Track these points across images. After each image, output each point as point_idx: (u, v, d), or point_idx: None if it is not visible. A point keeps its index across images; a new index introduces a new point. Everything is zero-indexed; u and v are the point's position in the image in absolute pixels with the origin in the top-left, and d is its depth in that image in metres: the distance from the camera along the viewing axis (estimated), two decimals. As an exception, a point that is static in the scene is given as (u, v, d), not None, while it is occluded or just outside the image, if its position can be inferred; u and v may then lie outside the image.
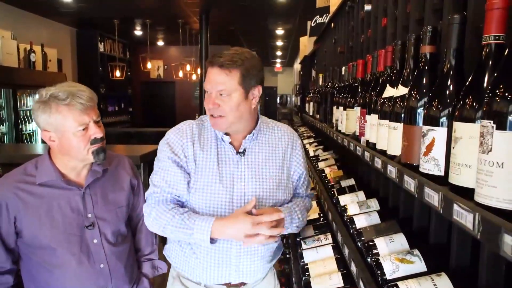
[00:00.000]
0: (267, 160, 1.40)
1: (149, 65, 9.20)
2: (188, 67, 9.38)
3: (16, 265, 1.40)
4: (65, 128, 1.28)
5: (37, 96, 1.32)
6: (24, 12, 6.96)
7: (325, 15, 4.30)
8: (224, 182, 1.32)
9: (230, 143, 1.36)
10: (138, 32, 9.28)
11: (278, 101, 17.89)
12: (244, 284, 1.40)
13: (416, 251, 0.98)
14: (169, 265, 1.54)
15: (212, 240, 1.25)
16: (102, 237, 1.40)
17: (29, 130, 6.13)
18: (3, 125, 5.57)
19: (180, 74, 9.42)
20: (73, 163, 1.37)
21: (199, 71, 8.64)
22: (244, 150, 1.38)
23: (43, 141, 6.29)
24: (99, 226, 1.39)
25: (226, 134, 1.36)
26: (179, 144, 1.34)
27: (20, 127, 5.78)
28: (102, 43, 9.11)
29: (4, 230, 1.31)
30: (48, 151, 1.39)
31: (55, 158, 1.36)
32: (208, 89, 1.30)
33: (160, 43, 10.94)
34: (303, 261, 1.58)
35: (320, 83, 3.20)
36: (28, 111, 6.12)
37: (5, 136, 5.60)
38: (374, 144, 1.19)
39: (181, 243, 1.39)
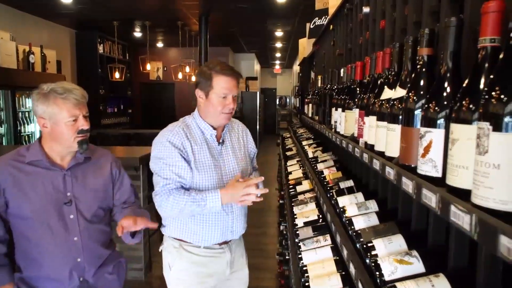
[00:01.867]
0: (237, 145, 1.90)
1: (148, 67, 9.21)
2: (187, 69, 9.40)
3: (8, 235, 1.60)
4: (58, 118, 1.53)
5: (37, 89, 1.56)
6: (23, 14, 6.97)
7: (324, 17, 4.32)
8: (216, 166, 1.76)
9: (216, 136, 1.81)
10: (137, 33, 9.29)
11: (277, 102, 17.90)
12: (230, 240, 1.85)
13: (415, 252, 0.99)
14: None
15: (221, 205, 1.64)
16: (78, 213, 1.62)
17: (28, 132, 6.12)
18: (1, 127, 5.57)
19: (180, 75, 9.43)
20: (59, 149, 1.60)
21: (198, 72, 8.64)
22: (223, 140, 1.84)
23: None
24: (76, 203, 1.62)
25: (214, 129, 1.80)
26: (179, 141, 1.71)
27: (18, 128, 5.78)
28: (102, 45, 9.12)
29: None
30: (39, 138, 1.63)
31: (45, 143, 1.61)
32: (225, 94, 1.73)
33: (160, 44, 10.95)
34: (302, 263, 1.58)
35: (319, 84, 3.21)
36: (27, 113, 6.12)
37: (4, 138, 5.59)
38: (373, 146, 1.20)
39: (183, 220, 1.75)
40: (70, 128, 1.54)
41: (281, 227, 3.59)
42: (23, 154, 1.58)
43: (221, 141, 1.83)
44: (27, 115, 6.13)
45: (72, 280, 1.61)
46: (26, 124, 6.06)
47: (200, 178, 1.71)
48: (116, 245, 1.86)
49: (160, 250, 1.88)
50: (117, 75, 8.76)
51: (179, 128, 1.75)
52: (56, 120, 1.53)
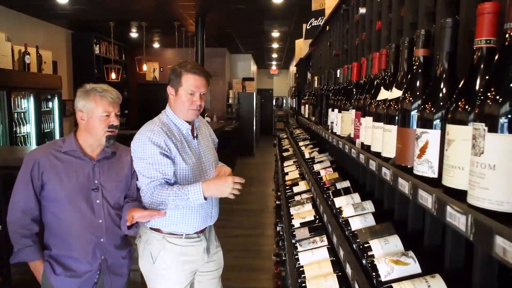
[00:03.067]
0: (206, 138, 2.07)
1: (144, 68, 9.18)
2: (184, 70, 9.37)
3: (39, 216, 1.82)
4: (94, 112, 1.78)
5: (81, 88, 1.82)
6: (18, 14, 6.93)
7: (320, 18, 4.32)
8: (196, 159, 1.91)
9: (191, 131, 1.94)
10: (134, 34, 9.26)
11: (273, 103, 17.90)
12: (205, 228, 1.98)
13: (411, 253, 0.99)
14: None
15: (205, 198, 1.73)
16: (104, 199, 1.85)
17: (23, 133, 6.09)
18: (-3, 128, 5.53)
19: (176, 76, 9.40)
20: (91, 141, 1.84)
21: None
22: (197, 135, 1.99)
23: (37, 144, 6.25)
24: (102, 190, 1.85)
25: (188, 123, 1.92)
26: (162, 140, 1.80)
27: (14, 129, 5.74)
28: (98, 45, 9.08)
29: (35, 182, 1.76)
30: (74, 132, 1.87)
31: (79, 135, 1.85)
32: (193, 91, 1.85)
33: (156, 45, 10.92)
34: (299, 263, 1.58)
35: (316, 85, 3.21)
36: (22, 113, 6.08)
37: (-1, 139, 5.55)
38: (369, 147, 1.20)
39: (168, 211, 1.81)
40: (103, 122, 1.79)
41: (278, 228, 3.59)
42: (59, 145, 1.82)
43: (195, 135, 1.98)
44: (22, 116, 6.09)
45: (95, 258, 1.83)
46: (21, 125, 6.03)
47: (186, 171, 1.84)
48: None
49: (136, 242, 1.97)
50: (113, 75, 8.74)
51: (157, 127, 1.83)
52: (92, 114, 1.78)
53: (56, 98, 6.94)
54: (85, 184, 1.81)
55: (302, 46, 5.53)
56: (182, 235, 1.89)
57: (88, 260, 1.82)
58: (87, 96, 1.78)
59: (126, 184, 1.95)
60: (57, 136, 7.01)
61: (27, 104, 6.20)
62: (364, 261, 1.08)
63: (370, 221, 1.29)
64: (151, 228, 1.90)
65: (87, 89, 1.79)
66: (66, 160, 1.80)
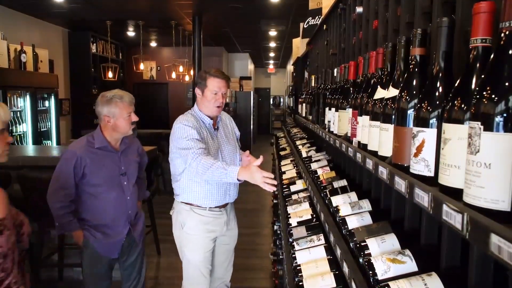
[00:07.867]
0: (227, 130, 2.49)
1: (141, 66, 9.14)
2: (181, 68, 9.36)
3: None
4: (118, 114, 2.26)
5: (101, 97, 2.28)
6: (15, 12, 6.89)
7: (317, 17, 4.33)
8: (216, 145, 2.34)
9: (212, 124, 2.37)
10: (130, 33, 9.23)
11: (271, 102, 17.90)
12: (227, 204, 2.42)
13: (407, 251, 0.99)
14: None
15: (238, 180, 2.02)
16: (129, 180, 2.39)
17: (20, 132, 6.06)
18: (-7, 127, 5.49)
19: (173, 75, 9.39)
20: (117, 136, 2.34)
21: (192, 72, 8.61)
22: (218, 127, 2.41)
23: (33, 143, 6.23)
24: (127, 174, 2.38)
25: (210, 118, 2.35)
26: (196, 126, 2.24)
27: (10, 128, 5.72)
28: (95, 44, 9.04)
29: (77, 173, 2.23)
30: (100, 128, 2.33)
31: (106, 133, 2.32)
32: (216, 91, 2.29)
33: (153, 44, 10.89)
34: (296, 262, 1.58)
35: (313, 84, 3.21)
36: (18, 112, 6.05)
37: (-5, 138, 5.52)
38: (366, 145, 1.20)
39: (195, 188, 2.28)
40: (127, 120, 2.29)
41: (275, 227, 3.60)
42: (92, 141, 2.30)
43: (216, 127, 2.39)
44: (18, 115, 6.06)
45: (125, 225, 2.39)
46: (18, 124, 6.00)
47: (209, 152, 2.23)
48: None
49: (171, 213, 2.44)
50: (110, 74, 8.70)
51: (190, 116, 2.30)
52: (118, 117, 2.26)
53: (52, 97, 6.91)
54: (115, 171, 2.33)
55: (299, 45, 5.53)
56: (206, 208, 2.31)
57: (121, 227, 2.36)
58: (109, 103, 2.25)
59: (137, 166, 2.50)
60: (54, 135, 6.99)
61: (23, 103, 6.17)
62: (361, 260, 1.08)
63: (367, 219, 1.29)
64: (181, 202, 2.33)
65: (108, 98, 2.26)
66: (100, 154, 2.30)
